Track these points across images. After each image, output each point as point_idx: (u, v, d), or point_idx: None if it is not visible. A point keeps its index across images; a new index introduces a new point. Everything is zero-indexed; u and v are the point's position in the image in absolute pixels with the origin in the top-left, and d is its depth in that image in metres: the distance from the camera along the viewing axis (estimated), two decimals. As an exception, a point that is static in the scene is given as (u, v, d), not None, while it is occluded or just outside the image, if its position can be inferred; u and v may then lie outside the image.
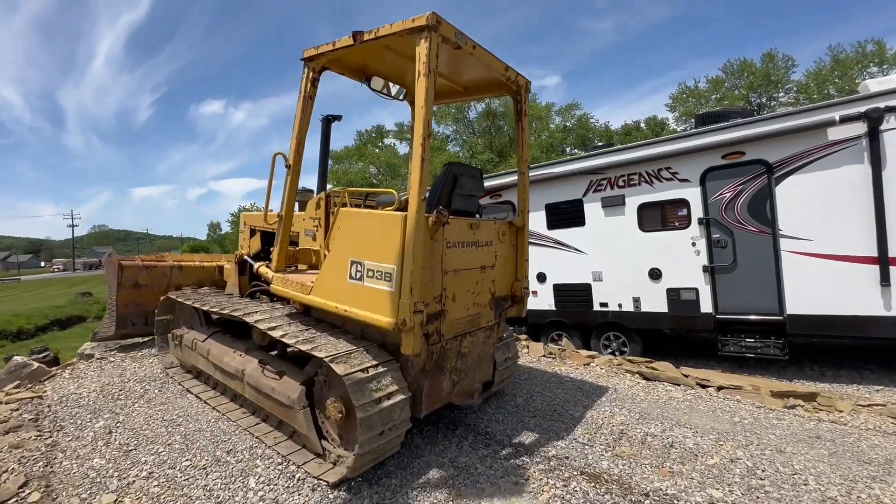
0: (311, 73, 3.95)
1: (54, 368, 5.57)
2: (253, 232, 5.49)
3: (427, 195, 3.57)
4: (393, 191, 3.60)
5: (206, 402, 4.53)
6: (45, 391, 4.77)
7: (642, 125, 45.67)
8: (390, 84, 4.55)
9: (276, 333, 3.65)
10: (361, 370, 3.24)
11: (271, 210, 4.43)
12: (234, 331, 4.90)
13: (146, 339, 6.43)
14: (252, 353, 4.29)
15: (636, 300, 7.60)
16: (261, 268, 4.96)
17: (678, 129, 41.10)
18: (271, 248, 5.39)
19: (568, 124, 41.62)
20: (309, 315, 4.22)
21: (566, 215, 8.35)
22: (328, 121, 5.42)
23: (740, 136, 6.47)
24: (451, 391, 3.89)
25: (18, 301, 36.39)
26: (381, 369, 3.34)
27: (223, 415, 4.29)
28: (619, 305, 7.79)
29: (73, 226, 79.62)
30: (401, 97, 4.76)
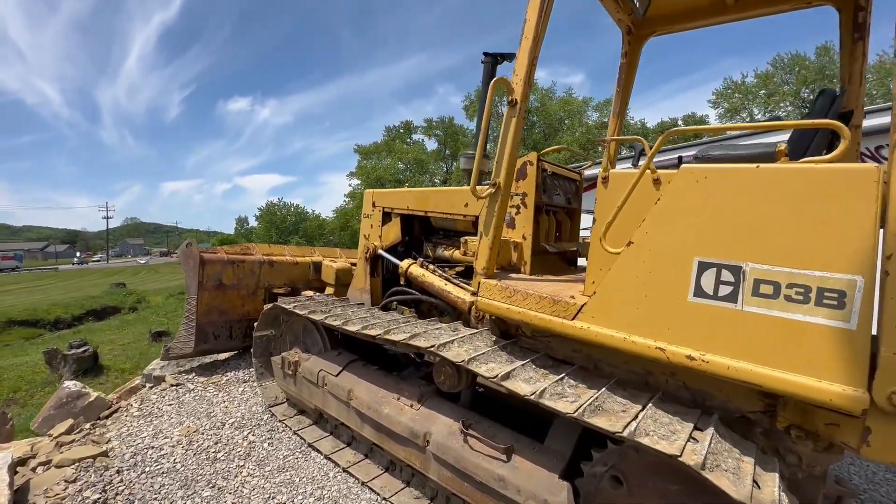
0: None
1: (115, 396, 4.04)
2: (387, 216, 3.85)
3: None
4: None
5: (348, 472, 2.91)
6: (109, 441, 3.21)
7: (679, 123, 43.30)
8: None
9: (547, 401, 1.97)
10: (750, 478, 1.57)
11: (479, 178, 2.77)
12: (375, 357, 3.30)
13: (226, 354, 4.87)
14: (431, 405, 2.66)
15: None
16: (412, 267, 3.33)
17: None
18: (430, 239, 3.77)
19: (605, 120, 39.43)
20: (511, 341, 2.60)
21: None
22: (495, 60, 3.73)
23: None
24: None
25: (56, 290, 36.01)
26: (764, 473, 1.67)
27: (385, 500, 2.67)
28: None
29: (107, 217, 79.85)
30: (642, 12, 3.09)
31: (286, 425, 3.46)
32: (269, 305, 3.58)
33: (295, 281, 4.99)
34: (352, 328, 2.86)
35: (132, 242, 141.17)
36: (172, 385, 4.08)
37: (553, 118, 38.03)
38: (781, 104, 35.46)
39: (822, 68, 33.45)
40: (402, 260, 3.56)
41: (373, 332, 2.72)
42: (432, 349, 2.37)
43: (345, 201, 46.85)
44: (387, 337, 2.63)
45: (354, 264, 5.21)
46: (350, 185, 45.70)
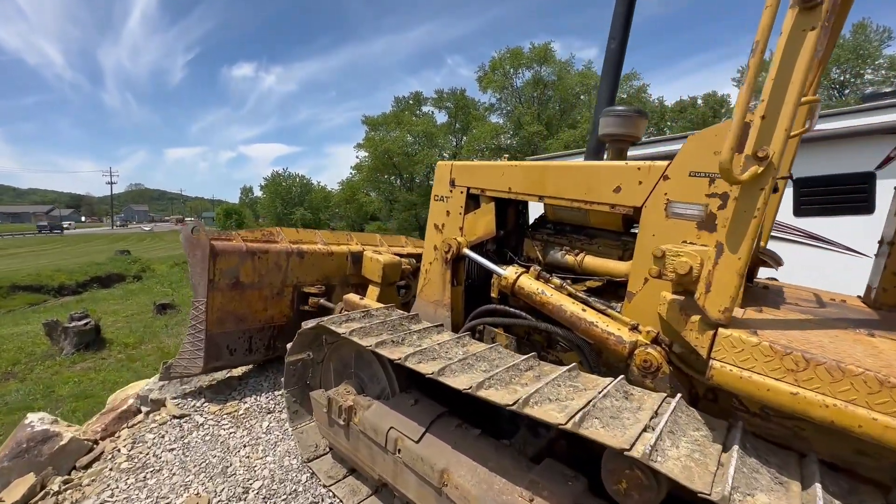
0: None
1: (100, 428, 3.00)
2: (473, 199, 2.71)
3: None
4: None
5: None
6: (82, 521, 2.18)
7: (699, 102, 41.32)
8: None
9: None
10: None
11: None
12: (457, 403, 2.23)
13: (242, 367, 3.82)
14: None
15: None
16: (524, 279, 2.23)
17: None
18: (536, 236, 2.65)
19: (624, 96, 37.47)
20: (736, 425, 1.52)
21: (836, 197, 5.36)
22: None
23: None
24: None
25: (61, 255, 35.25)
26: None
27: None
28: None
29: (111, 183, 78.06)
30: None
31: (335, 496, 2.42)
32: (311, 324, 2.48)
33: (329, 276, 3.88)
34: (460, 384, 1.76)
35: (137, 209, 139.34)
36: (175, 416, 3.03)
37: (569, 93, 36.15)
38: (809, 85, 33.47)
39: (856, 47, 31.31)
40: (495, 264, 2.44)
41: (501, 399, 1.62)
42: (640, 456, 1.28)
43: (351, 173, 45.58)
44: (535, 414, 1.52)
45: (402, 255, 4.11)
46: (357, 157, 44.27)
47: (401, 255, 4.04)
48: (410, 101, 44.24)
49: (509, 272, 2.29)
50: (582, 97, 35.88)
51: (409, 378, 2.42)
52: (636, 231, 2.37)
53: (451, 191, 2.77)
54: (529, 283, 2.22)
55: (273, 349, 3.61)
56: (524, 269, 2.31)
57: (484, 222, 2.61)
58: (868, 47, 31.69)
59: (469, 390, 1.72)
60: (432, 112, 43.30)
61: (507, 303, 2.56)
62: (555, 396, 1.67)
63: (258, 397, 3.34)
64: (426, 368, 1.90)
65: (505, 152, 35.80)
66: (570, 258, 2.36)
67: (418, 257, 4.55)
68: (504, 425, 2.33)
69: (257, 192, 58.19)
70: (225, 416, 3.10)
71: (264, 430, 2.96)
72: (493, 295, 2.54)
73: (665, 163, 1.95)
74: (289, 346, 2.68)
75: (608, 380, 1.83)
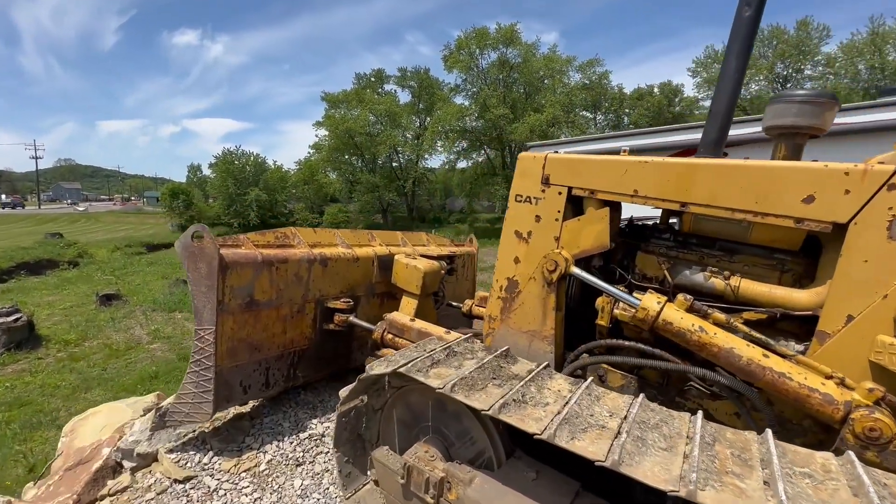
0: None
1: (71, 499, 2.22)
2: (574, 201, 2.12)
3: None
4: None
5: None
6: None
7: (655, 91, 42.56)
8: None
9: None
10: None
11: None
12: (591, 477, 1.71)
13: (249, 402, 3.07)
14: None
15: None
16: (669, 311, 1.71)
17: (698, 97, 38.17)
18: (654, 250, 2.11)
19: (587, 82, 37.80)
20: None
21: None
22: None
23: None
24: None
25: (-23, 239, 31.09)
26: None
27: None
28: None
29: (36, 157, 69.78)
30: None
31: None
32: (381, 369, 1.82)
33: (355, 286, 3.18)
34: (662, 482, 1.22)
35: (67, 186, 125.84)
36: (178, 481, 2.30)
37: (534, 76, 35.86)
38: (756, 78, 35.17)
39: (798, 43, 33.03)
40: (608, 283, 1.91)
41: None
42: None
43: (309, 153, 43.41)
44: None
45: (433, 258, 3.48)
46: (316, 136, 42.12)
47: (433, 258, 3.42)
48: (372, 79, 42.45)
49: (649, 302, 1.76)
50: (546, 81, 35.69)
51: (513, 435, 1.86)
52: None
53: (543, 190, 2.17)
54: (681, 318, 1.70)
55: (293, 378, 2.91)
56: (666, 297, 1.78)
57: (593, 232, 2.04)
58: (809, 44, 33.49)
59: (683, 494, 1.19)
60: (395, 91, 41.81)
61: (621, 335, 2.04)
62: (805, 498, 1.18)
63: (280, 443, 2.64)
64: (591, 450, 1.34)
65: (471, 134, 35.15)
66: (717, 282, 1.85)
67: (448, 259, 3.95)
68: (634, 494, 1.83)
69: (206, 171, 54.06)
70: (243, 473, 2.40)
71: (299, 493, 2.30)
72: (601, 323, 2.01)
73: (891, 167, 1.48)
74: (342, 392, 2.02)
75: (827, 456, 1.37)
